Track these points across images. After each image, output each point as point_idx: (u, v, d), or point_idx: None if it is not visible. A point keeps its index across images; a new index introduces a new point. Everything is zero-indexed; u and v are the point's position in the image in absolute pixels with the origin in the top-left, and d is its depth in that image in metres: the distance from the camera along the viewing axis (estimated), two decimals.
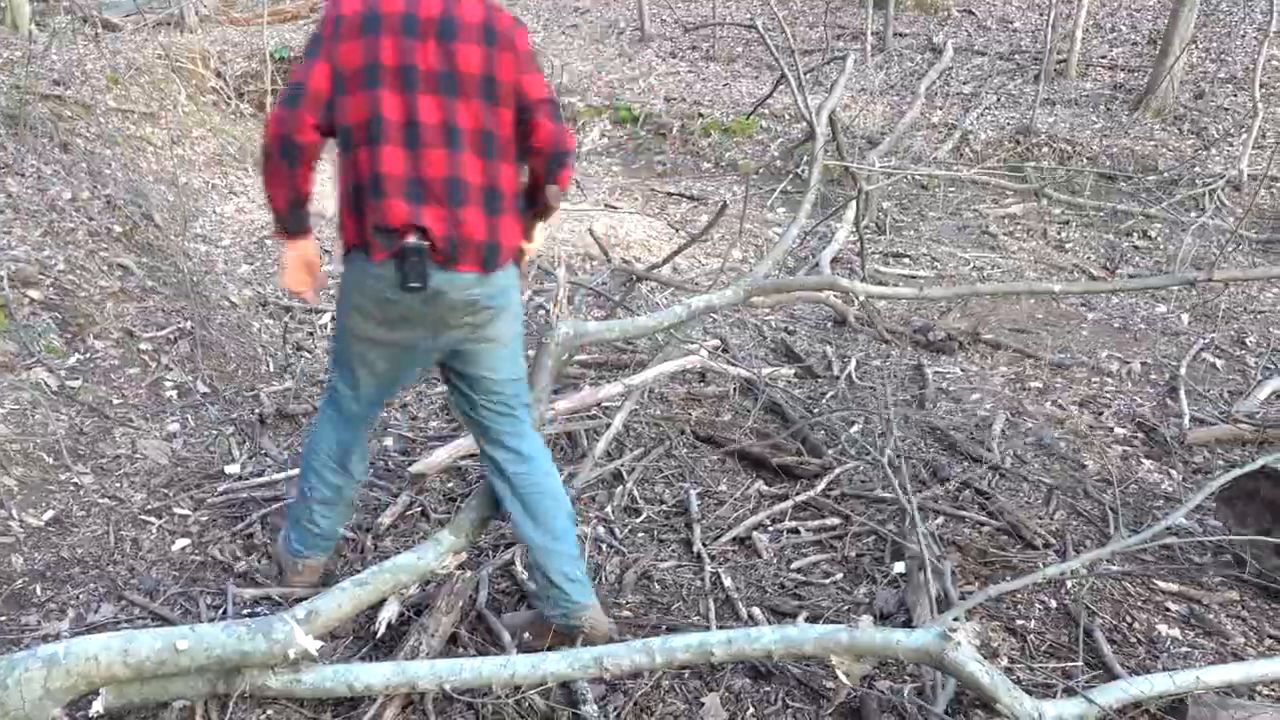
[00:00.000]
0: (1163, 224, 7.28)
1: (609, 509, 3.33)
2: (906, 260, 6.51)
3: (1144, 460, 3.74)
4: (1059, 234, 7.28)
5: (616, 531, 3.21)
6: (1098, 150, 8.45)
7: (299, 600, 2.66)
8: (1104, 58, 10.78)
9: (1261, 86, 8.53)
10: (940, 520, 3.24)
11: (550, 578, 2.37)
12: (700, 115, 9.57)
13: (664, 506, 3.38)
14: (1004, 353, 4.80)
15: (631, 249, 6.21)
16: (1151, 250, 6.95)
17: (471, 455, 3.45)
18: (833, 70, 8.96)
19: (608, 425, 3.69)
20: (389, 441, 3.79)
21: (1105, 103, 9.58)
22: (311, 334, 4.79)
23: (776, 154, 8.83)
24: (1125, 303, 5.78)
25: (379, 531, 3.12)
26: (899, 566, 2.95)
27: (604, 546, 3.13)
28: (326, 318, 4.94)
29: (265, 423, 3.74)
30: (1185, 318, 5.55)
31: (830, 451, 3.69)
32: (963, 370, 4.59)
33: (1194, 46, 9.61)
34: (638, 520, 3.28)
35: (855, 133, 8.42)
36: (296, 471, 3.00)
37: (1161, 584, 2.82)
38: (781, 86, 6.37)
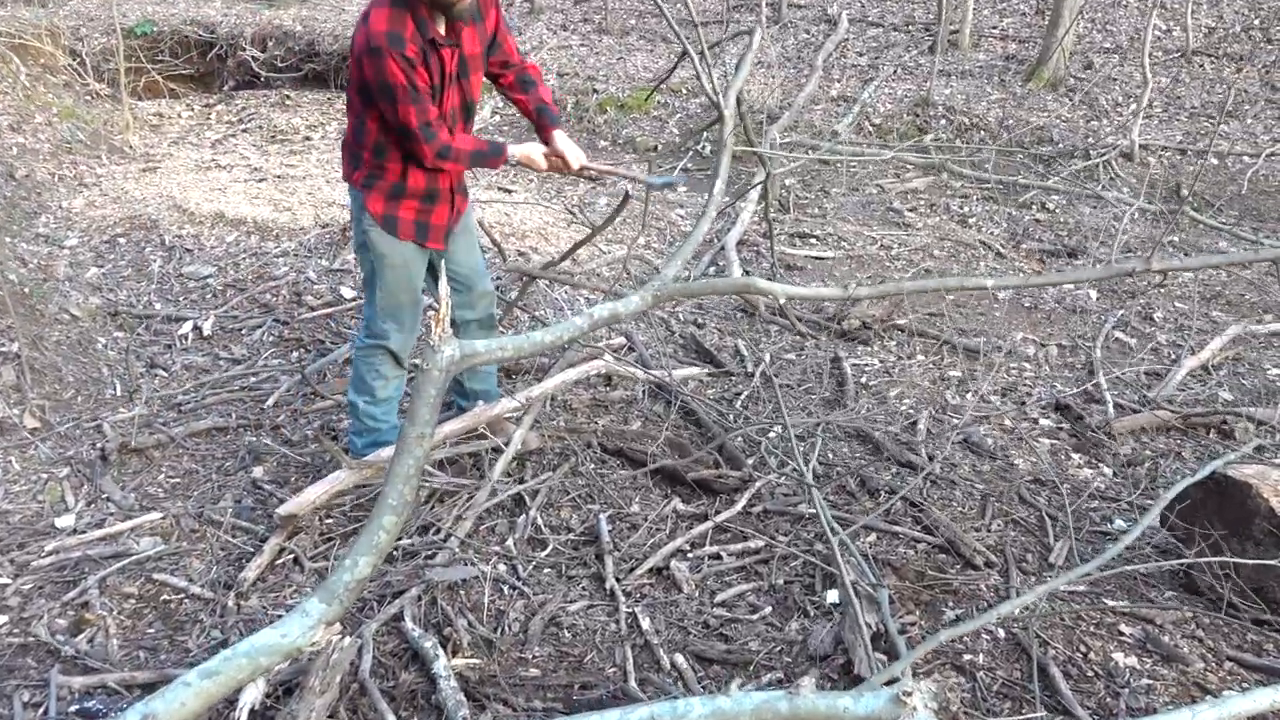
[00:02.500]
0: (1061, 196, 7.26)
1: (510, 541, 2.98)
2: (814, 241, 6.28)
3: (1073, 454, 3.58)
4: (961, 208, 7.18)
5: (520, 569, 2.86)
6: (994, 122, 8.40)
7: (145, 688, 2.26)
8: (995, 28, 10.80)
9: (1149, 57, 8.61)
10: (873, 537, 3.00)
11: None
12: (595, 91, 9.17)
13: (572, 535, 3.05)
14: (920, 340, 4.61)
15: (527, 239, 5.81)
16: (1051, 223, 6.90)
17: (349, 491, 3.05)
18: (734, 46, 8.64)
19: (506, 443, 3.33)
20: (258, 471, 3.35)
21: (999, 74, 9.57)
22: (170, 346, 4.26)
23: (676, 131, 8.51)
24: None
25: (243, 588, 2.70)
26: (832, 595, 2.69)
27: (506, 588, 2.78)
28: (187, 327, 4.41)
29: (108, 460, 3.24)
30: (1093, 294, 5.48)
31: (750, 461, 3.42)
32: (881, 362, 4.38)
33: (1080, 17, 9.67)
34: (543, 554, 2.94)
35: (754, 107, 8.15)
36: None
37: (1111, 603, 2.63)
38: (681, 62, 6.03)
